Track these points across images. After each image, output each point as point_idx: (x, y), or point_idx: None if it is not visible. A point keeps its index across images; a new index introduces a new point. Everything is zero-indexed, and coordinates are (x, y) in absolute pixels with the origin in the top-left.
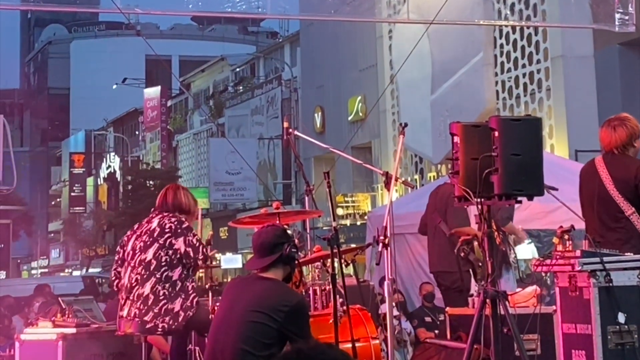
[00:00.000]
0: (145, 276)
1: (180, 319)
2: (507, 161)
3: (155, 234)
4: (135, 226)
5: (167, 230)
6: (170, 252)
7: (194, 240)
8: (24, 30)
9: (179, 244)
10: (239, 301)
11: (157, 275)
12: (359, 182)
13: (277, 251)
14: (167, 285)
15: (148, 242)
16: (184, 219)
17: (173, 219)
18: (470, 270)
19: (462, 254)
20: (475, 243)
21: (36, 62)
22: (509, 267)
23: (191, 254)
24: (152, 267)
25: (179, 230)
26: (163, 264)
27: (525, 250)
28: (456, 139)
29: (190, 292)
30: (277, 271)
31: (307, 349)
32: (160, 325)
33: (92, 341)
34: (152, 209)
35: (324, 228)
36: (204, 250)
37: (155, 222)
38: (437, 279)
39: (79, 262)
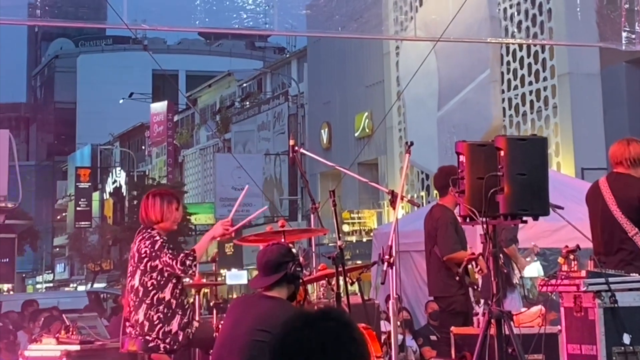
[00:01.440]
0: (137, 302)
1: (180, 339)
2: (512, 181)
3: (136, 259)
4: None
5: (143, 255)
6: (154, 274)
7: (167, 259)
8: (30, 44)
9: (159, 263)
10: (243, 320)
11: (147, 301)
12: (365, 199)
13: (282, 270)
14: (160, 307)
15: (134, 267)
16: (157, 238)
17: (147, 242)
18: (471, 293)
19: (456, 279)
20: (470, 266)
21: (43, 76)
22: (513, 289)
23: (169, 270)
24: (140, 294)
25: (154, 253)
26: (150, 288)
27: (531, 269)
28: (462, 158)
29: (187, 308)
30: (281, 290)
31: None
32: (162, 346)
33: (95, 358)
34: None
35: (330, 245)
36: (182, 259)
37: (134, 247)
38: (436, 301)
39: (84, 276)
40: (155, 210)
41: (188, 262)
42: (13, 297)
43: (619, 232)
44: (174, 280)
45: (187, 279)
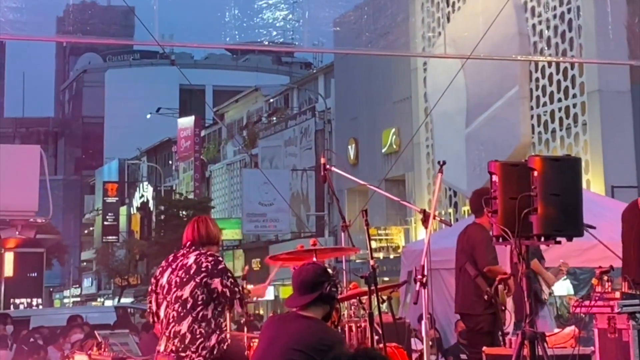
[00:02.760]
0: (182, 314)
1: (215, 352)
2: (546, 201)
3: (191, 271)
4: (170, 258)
5: (203, 269)
6: (206, 290)
7: (229, 283)
8: (59, 59)
9: (216, 283)
10: (279, 339)
11: (194, 314)
12: (392, 215)
13: (317, 290)
14: (203, 324)
15: (185, 279)
16: (220, 259)
17: (210, 259)
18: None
19: (486, 297)
20: (500, 287)
21: (71, 90)
22: (543, 305)
23: (228, 294)
24: (188, 305)
25: (215, 271)
26: (200, 302)
27: (561, 287)
28: (495, 177)
29: (224, 328)
30: (316, 310)
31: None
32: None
33: None
34: (185, 243)
35: (357, 261)
36: (240, 290)
37: (191, 259)
38: (462, 320)
39: (111, 291)
40: (217, 231)
41: (245, 296)
42: (42, 312)
43: None
44: (216, 302)
45: None
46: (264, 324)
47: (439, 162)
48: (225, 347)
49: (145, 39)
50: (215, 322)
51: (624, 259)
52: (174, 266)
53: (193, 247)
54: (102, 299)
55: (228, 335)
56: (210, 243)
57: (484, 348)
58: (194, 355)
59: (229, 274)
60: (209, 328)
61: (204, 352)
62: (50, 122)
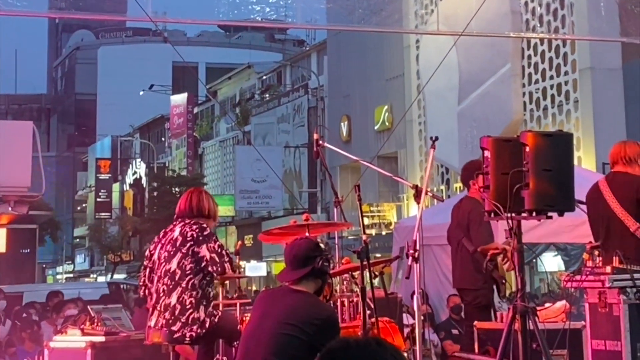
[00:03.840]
0: (171, 286)
1: (207, 326)
2: (538, 176)
3: (177, 243)
4: (161, 234)
5: (188, 238)
6: (194, 259)
7: (216, 247)
8: (51, 36)
9: (203, 251)
10: (271, 313)
11: (183, 285)
12: (384, 192)
13: (309, 264)
14: (193, 292)
15: (172, 252)
16: (205, 226)
17: (194, 227)
18: (495, 287)
19: (485, 271)
20: (499, 259)
21: (63, 67)
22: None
23: (216, 259)
24: (177, 277)
25: (201, 238)
26: (188, 272)
27: (552, 263)
28: (487, 153)
29: (211, 299)
30: (308, 284)
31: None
32: (187, 335)
33: (120, 350)
34: (175, 216)
35: (349, 237)
36: (228, 254)
37: (177, 231)
38: (460, 294)
39: (104, 267)
40: (209, 204)
41: (231, 259)
42: (35, 288)
43: (621, 229)
44: (205, 271)
45: None
46: (256, 298)
47: (431, 138)
48: (216, 320)
49: (138, 16)
50: (203, 292)
51: (594, 240)
52: (163, 241)
53: (180, 219)
54: (95, 275)
55: (219, 309)
56: (201, 215)
57: (476, 322)
58: (185, 330)
59: (215, 238)
60: (197, 296)
61: (194, 327)
62: (43, 99)
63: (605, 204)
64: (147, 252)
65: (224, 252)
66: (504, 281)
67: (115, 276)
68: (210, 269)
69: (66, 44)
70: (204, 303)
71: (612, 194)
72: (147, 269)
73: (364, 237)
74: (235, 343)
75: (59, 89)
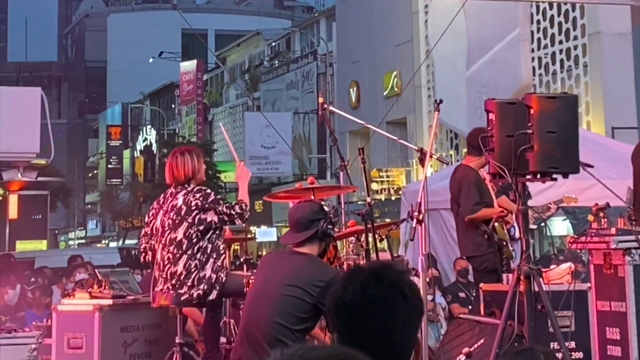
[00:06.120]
0: (177, 255)
1: (213, 281)
2: (542, 138)
3: (182, 212)
4: (161, 199)
5: (193, 207)
6: (201, 227)
7: (224, 209)
8: (61, 3)
9: (210, 216)
10: (275, 275)
11: (189, 252)
12: (393, 157)
13: (313, 227)
14: (198, 255)
15: (177, 221)
16: (209, 191)
17: (198, 195)
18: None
19: (484, 237)
20: (496, 223)
21: (73, 35)
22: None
23: (225, 218)
24: (184, 247)
25: (207, 205)
26: (194, 240)
27: (560, 227)
28: (491, 115)
29: (221, 253)
30: (312, 246)
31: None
32: (195, 294)
33: (127, 313)
34: (169, 183)
35: (359, 202)
36: (238, 208)
37: (180, 199)
38: (469, 261)
39: (115, 233)
40: (187, 167)
41: (244, 207)
42: (46, 253)
43: None
44: (216, 230)
45: None
46: (260, 260)
47: (435, 101)
48: (224, 276)
49: None
50: (212, 247)
51: (636, 197)
52: (165, 208)
53: (179, 187)
54: (106, 241)
55: (224, 260)
56: (191, 179)
57: (481, 285)
58: (192, 291)
59: (221, 201)
60: (203, 257)
61: (201, 286)
62: (53, 67)
63: None
64: (146, 218)
65: (232, 211)
66: (504, 243)
67: (127, 242)
68: (217, 225)
69: (76, 12)
70: (214, 257)
71: None
72: (147, 237)
73: (367, 199)
74: (241, 305)
75: (69, 56)
